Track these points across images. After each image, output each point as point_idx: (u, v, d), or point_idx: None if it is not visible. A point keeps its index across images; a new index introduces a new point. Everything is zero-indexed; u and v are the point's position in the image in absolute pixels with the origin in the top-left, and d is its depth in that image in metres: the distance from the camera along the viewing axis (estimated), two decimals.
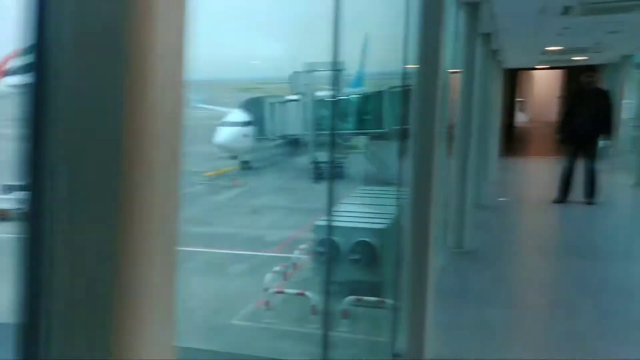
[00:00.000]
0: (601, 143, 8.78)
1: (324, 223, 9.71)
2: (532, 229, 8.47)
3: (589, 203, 8.73)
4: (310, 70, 30.56)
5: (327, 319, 6.11)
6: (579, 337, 4.46)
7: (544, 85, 25.59)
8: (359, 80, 31.05)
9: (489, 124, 12.37)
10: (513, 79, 21.93)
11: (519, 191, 10.72)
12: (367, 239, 8.51)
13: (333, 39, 3.43)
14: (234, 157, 23.73)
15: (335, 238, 8.48)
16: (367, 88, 28.38)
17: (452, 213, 7.08)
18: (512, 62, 15.11)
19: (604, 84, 15.72)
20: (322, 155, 33.55)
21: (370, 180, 25.45)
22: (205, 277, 10.33)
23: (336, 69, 32.63)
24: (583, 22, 7.05)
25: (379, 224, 8.22)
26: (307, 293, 8.11)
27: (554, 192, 9.42)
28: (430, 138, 3.82)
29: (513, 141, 20.40)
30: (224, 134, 23.38)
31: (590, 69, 8.72)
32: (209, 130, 22.36)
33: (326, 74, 34.73)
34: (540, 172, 13.52)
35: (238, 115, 24.69)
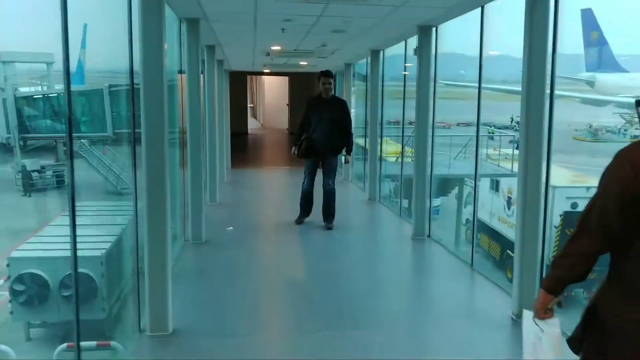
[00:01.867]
0: (341, 158, 8.52)
1: (22, 253, 8.33)
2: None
3: (328, 227, 8.20)
4: (7, 61, 26.97)
5: None
6: None
7: (275, 91, 26.28)
8: (78, 76, 28.40)
9: (216, 130, 11.83)
10: (243, 84, 21.91)
11: (250, 214, 9.71)
12: (82, 270, 7.34)
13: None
14: None
15: (39, 271, 7.74)
16: (89, 86, 25.94)
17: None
18: (239, 65, 14.76)
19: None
20: (33, 163, 29.88)
21: (98, 190, 23.47)
22: None
23: (42, 60, 29.25)
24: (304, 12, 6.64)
25: (98, 248, 7.61)
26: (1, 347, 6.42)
27: (284, 211, 9.06)
28: (161, 142, 4.53)
29: (246, 148, 20.25)
30: None
31: (326, 75, 8.26)
32: None
33: (31, 66, 31.05)
34: (274, 186, 13.21)
35: None
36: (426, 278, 6.65)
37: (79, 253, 7.88)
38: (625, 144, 2.32)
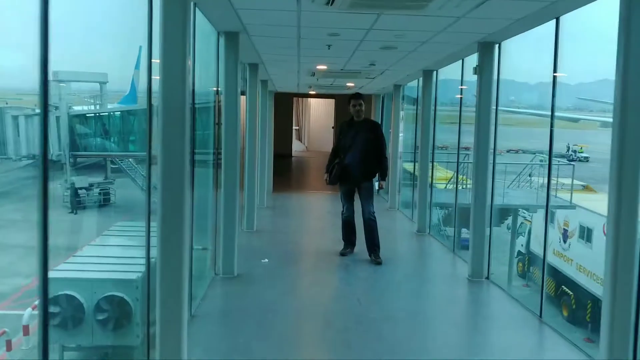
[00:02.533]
0: (375, 183, 7.71)
1: (59, 274, 8.00)
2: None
3: (376, 262, 7.40)
4: (64, 80, 27.45)
5: None
6: None
7: (321, 114, 25.72)
8: (131, 96, 28.76)
9: (259, 151, 11.25)
10: (288, 106, 21.40)
11: (290, 243, 8.77)
12: (117, 293, 7.39)
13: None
14: None
15: (74, 293, 7.29)
16: (141, 105, 26.21)
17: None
18: (284, 86, 14.18)
19: (375, 114, 15.68)
20: (81, 180, 30.18)
21: (143, 210, 23.36)
22: None
23: (97, 80, 29.71)
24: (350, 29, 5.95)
25: (134, 271, 7.17)
26: None
27: (327, 240, 8.30)
28: (180, 163, 4.00)
29: (289, 171, 19.63)
30: None
31: (356, 97, 7.56)
32: None
33: (87, 86, 31.62)
34: (317, 212, 12.41)
35: None
36: (486, 330, 5.70)
37: (115, 275, 7.85)
38: None
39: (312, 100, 26.02)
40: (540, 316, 5.60)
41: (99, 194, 29.07)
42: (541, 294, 5.82)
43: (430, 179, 9.80)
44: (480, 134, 6.80)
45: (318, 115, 26.22)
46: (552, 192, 18.81)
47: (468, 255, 7.03)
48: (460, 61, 8.19)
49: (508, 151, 47.22)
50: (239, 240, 8.14)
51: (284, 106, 19.89)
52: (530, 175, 20.54)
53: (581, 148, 41.55)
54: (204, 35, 6.78)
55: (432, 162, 10.50)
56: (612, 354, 3.99)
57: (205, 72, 7.09)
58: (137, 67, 30.36)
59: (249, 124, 9.40)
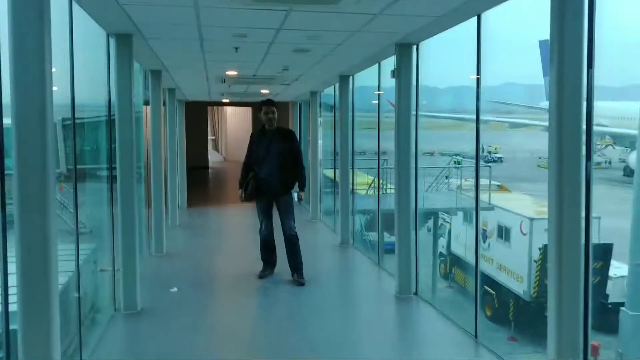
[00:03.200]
0: (294, 194, 7.07)
1: None
2: None
3: (299, 283, 6.78)
4: None
5: None
6: None
7: (238, 123, 24.84)
8: None
9: (168, 164, 10.38)
10: (202, 115, 20.44)
11: (204, 266, 7.99)
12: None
13: None
14: None
15: None
16: None
17: None
18: (195, 95, 13.31)
19: (293, 122, 15.09)
20: None
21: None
22: None
23: None
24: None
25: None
26: None
27: (246, 261, 7.60)
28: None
29: (206, 184, 18.67)
30: None
31: (268, 104, 6.93)
32: None
33: None
34: (235, 228, 11.56)
35: None
36: (418, 355, 5.16)
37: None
38: None
39: (228, 109, 25.11)
40: (476, 337, 5.15)
41: None
42: (475, 314, 5.36)
43: (351, 186, 9.29)
44: (400, 138, 6.32)
45: (235, 124, 25.33)
46: (470, 193, 18.94)
47: (394, 268, 6.52)
48: (377, 65, 7.73)
49: (423, 154, 48.15)
50: (144, 266, 7.29)
51: (198, 116, 18.93)
52: (447, 178, 20.66)
53: (495, 149, 42.95)
54: (90, 38, 5.96)
55: (352, 168, 10.13)
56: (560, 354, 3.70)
57: (95, 80, 6.26)
58: None
59: (153, 135, 8.52)
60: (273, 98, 13.41)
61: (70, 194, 17.55)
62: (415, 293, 6.38)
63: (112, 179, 6.10)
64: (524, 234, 17.84)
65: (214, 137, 27.41)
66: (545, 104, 49.83)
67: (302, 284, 6.83)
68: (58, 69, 3.76)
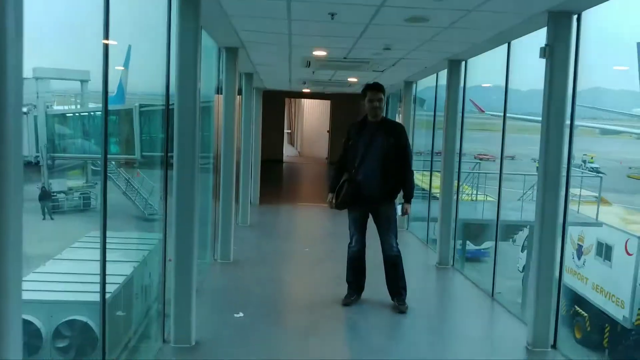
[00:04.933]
0: (398, 206, 5.51)
1: None
2: None
3: (399, 310, 5.37)
4: (42, 77, 25.31)
5: None
6: None
7: (315, 117, 23.46)
8: (119, 97, 26.66)
9: (241, 157, 9.08)
10: (280, 107, 19.16)
11: (276, 284, 6.40)
12: (79, 317, 6.97)
13: None
14: None
15: (30, 317, 6.75)
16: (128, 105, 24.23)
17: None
18: (274, 82, 11.88)
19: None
20: (59, 183, 27.90)
21: (124, 215, 21.39)
22: None
23: (77, 78, 27.40)
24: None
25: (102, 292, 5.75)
26: None
27: (326, 280, 6.12)
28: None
29: (279, 179, 17.35)
30: None
31: (375, 89, 5.37)
32: None
33: (68, 84, 29.37)
34: (312, 233, 10.05)
35: None
36: None
37: (77, 297, 7.13)
38: None
39: (305, 102, 23.74)
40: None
41: (79, 198, 26.94)
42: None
43: (453, 195, 7.58)
44: (549, 140, 4.62)
45: (312, 118, 23.94)
46: (573, 206, 16.63)
47: (527, 316, 4.81)
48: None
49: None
50: (205, 278, 5.94)
51: (275, 107, 17.66)
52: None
53: (591, 158, 39.50)
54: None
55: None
56: None
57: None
58: (126, 66, 28.31)
59: (225, 123, 7.16)
60: (358, 90, 11.88)
61: (144, 180, 16.63)
62: (554, 346, 4.66)
63: (167, 166, 4.82)
64: (629, 254, 15.47)
65: (289, 131, 26.17)
66: (639, 110, 45.97)
67: (403, 312, 5.35)
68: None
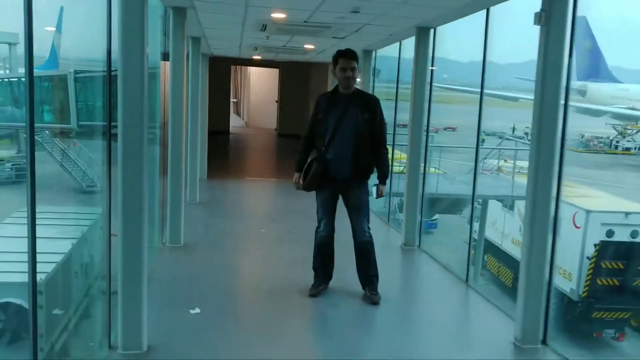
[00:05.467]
0: (372, 187, 5.00)
1: None
2: None
3: (372, 300, 4.89)
4: None
5: None
6: None
7: (263, 86, 22.56)
8: (52, 61, 24.99)
9: (188, 128, 8.34)
10: (226, 75, 18.24)
11: (229, 270, 5.84)
12: (13, 299, 6.83)
13: None
14: None
15: None
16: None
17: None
18: (222, 46, 11.03)
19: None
20: None
21: (60, 187, 20.22)
22: None
23: (3, 41, 25.56)
24: None
25: (39, 272, 5.11)
26: None
27: (286, 265, 5.63)
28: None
29: (226, 152, 16.55)
30: None
31: (348, 56, 4.80)
32: None
33: None
34: (266, 211, 9.41)
35: None
36: None
37: (11, 278, 6.62)
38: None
39: (252, 70, 22.80)
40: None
41: (11, 169, 25.36)
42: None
43: (421, 170, 7.14)
44: (543, 119, 4.19)
45: (259, 87, 23.06)
46: (520, 179, 16.66)
47: (514, 309, 4.43)
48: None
49: (445, 129, 45.45)
50: (154, 266, 5.31)
51: (221, 75, 16.74)
52: (484, 158, 18.54)
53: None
54: None
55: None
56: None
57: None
58: (58, 30, 26.51)
59: (173, 90, 6.42)
60: (317, 55, 11.19)
61: (82, 151, 15.42)
62: (544, 342, 4.32)
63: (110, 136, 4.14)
64: (577, 227, 15.69)
65: (235, 100, 25.16)
66: (576, 83, 47.15)
67: (375, 303, 4.89)
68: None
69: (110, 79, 4.27)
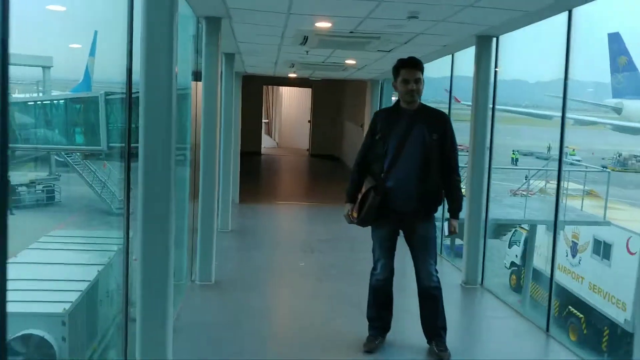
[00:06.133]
0: (444, 224, 4.18)
1: None
2: None
3: (440, 357, 4.00)
4: None
5: None
6: None
7: (295, 106, 21.94)
8: (85, 84, 24.77)
9: (220, 150, 7.63)
10: (258, 94, 17.64)
11: (267, 316, 5.01)
12: (35, 331, 6.00)
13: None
14: None
15: None
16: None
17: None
18: (258, 63, 10.33)
19: (372, 106, 11.99)
20: (20, 176, 26.05)
21: (89, 209, 19.89)
22: None
23: (38, 64, 25.54)
24: None
25: (61, 301, 5.87)
26: None
27: (331, 308, 4.80)
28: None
29: (258, 174, 15.84)
30: None
31: (412, 66, 4.00)
32: None
33: (27, 70, 27.26)
34: (304, 239, 8.55)
35: None
36: None
37: (33, 308, 6.08)
38: None
39: (284, 90, 22.22)
40: None
41: (42, 191, 25.24)
42: None
43: (486, 197, 6.23)
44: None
45: (291, 107, 22.44)
46: (573, 202, 15.51)
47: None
48: None
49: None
50: (183, 308, 4.55)
51: (253, 94, 16.14)
52: (526, 178, 17.52)
53: (573, 150, 38.76)
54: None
55: None
56: None
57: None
58: (91, 53, 26.44)
59: (206, 112, 5.69)
60: (355, 73, 10.45)
61: (111, 172, 14.92)
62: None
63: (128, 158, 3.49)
64: (631, 254, 14.48)
65: (267, 121, 24.60)
66: (611, 101, 45.67)
67: (442, 358, 3.99)
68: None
69: (130, 99, 3.61)
